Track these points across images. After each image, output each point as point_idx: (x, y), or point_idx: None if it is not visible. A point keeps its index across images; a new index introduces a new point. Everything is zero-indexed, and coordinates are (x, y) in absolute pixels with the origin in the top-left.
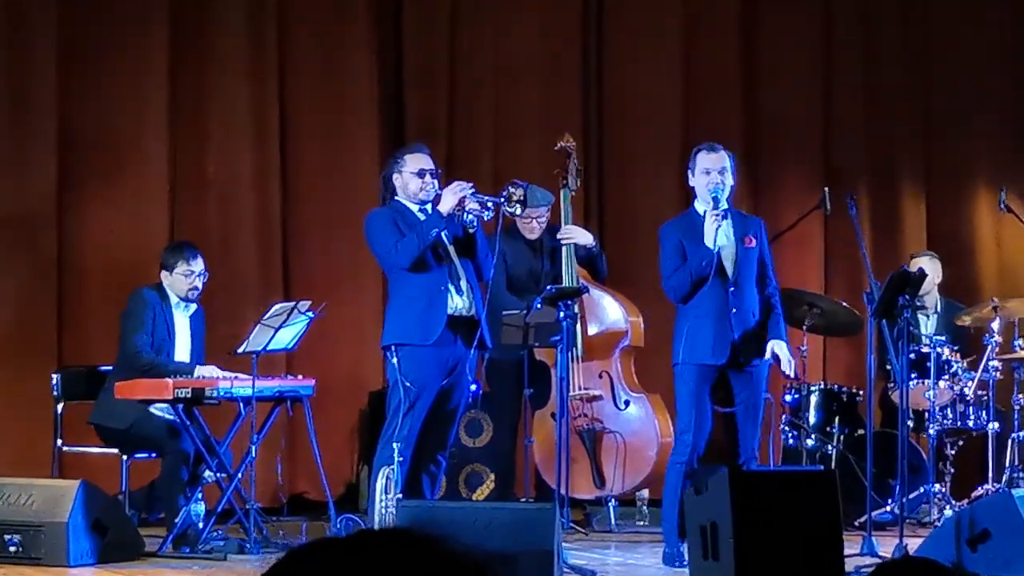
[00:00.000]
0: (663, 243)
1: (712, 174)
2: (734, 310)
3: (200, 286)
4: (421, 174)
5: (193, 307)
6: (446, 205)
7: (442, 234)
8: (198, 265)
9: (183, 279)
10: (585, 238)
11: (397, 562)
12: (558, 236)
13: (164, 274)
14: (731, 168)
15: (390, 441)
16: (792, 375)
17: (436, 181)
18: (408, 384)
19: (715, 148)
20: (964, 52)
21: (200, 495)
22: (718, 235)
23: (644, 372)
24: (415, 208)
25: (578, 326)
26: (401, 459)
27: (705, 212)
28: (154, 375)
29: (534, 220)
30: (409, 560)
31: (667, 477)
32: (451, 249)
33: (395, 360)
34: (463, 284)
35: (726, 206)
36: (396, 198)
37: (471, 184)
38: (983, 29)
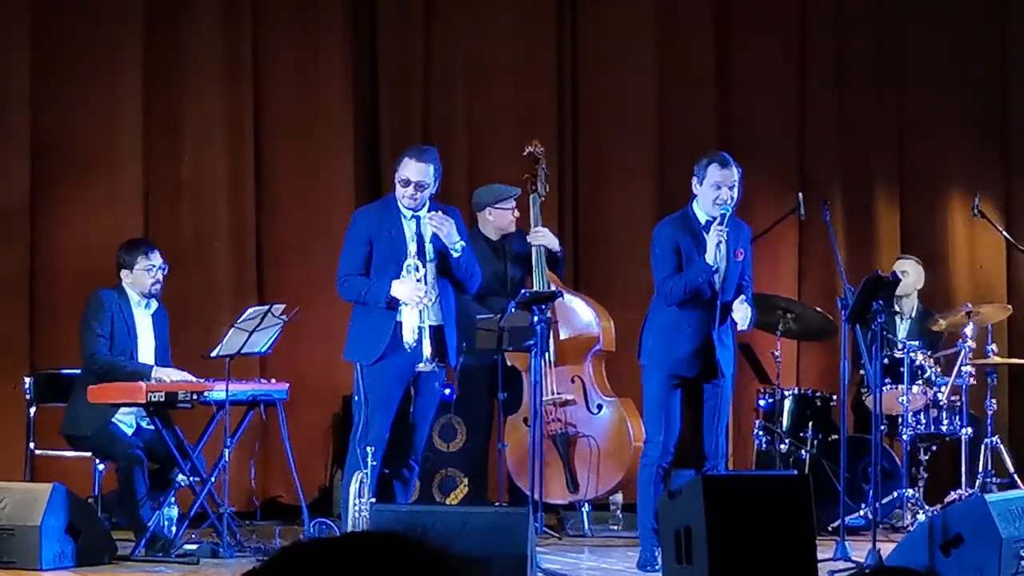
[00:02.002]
0: (658, 243)
1: (723, 189)
2: (716, 323)
3: (161, 279)
4: (404, 184)
5: (155, 305)
6: (398, 293)
7: (426, 260)
8: (157, 259)
9: (145, 275)
10: (553, 242)
11: (392, 563)
12: (529, 237)
13: (124, 273)
14: (739, 182)
15: (356, 448)
16: (745, 328)
17: (420, 193)
18: (367, 395)
19: (728, 163)
20: (936, 59)
21: (173, 499)
22: (721, 253)
23: (615, 376)
24: (408, 214)
25: (550, 331)
26: (375, 463)
27: (706, 222)
28: (112, 378)
29: (510, 212)
30: (404, 562)
31: (639, 481)
32: (429, 269)
33: (359, 367)
34: (432, 309)
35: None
36: (393, 191)
37: (428, 299)
38: (955, 37)
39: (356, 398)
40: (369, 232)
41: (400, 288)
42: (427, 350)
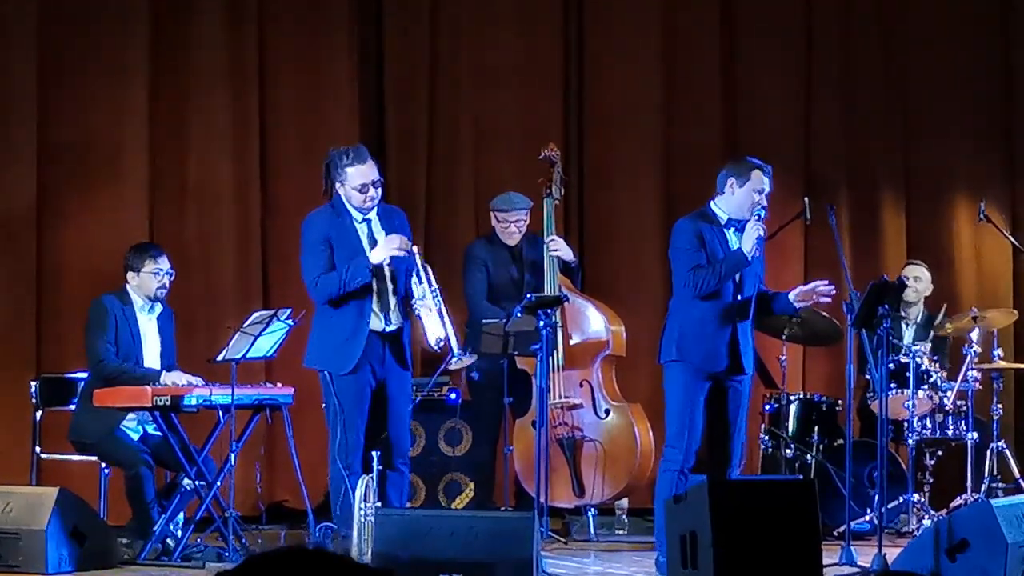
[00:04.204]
0: (680, 237)
1: (762, 196)
2: (738, 319)
3: (168, 284)
4: (363, 189)
5: (159, 308)
6: (377, 257)
7: (384, 266)
8: (165, 263)
9: (152, 278)
10: (568, 254)
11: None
12: (547, 243)
13: (131, 275)
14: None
15: (336, 458)
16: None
17: (379, 190)
18: (341, 404)
19: (769, 171)
20: (942, 64)
21: (177, 504)
22: (757, 246)
23: (624, 382)
24: (359, 217)
25: (560, 335)
26: (379, 468)
27: (727, 221)
28: (120, 383)
29: (512, 224)
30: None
31: (659, 485)
32: (386, 272)
33: (327, 375)
34: (393, 314)
35: None
36: (338, 195)
37: (411, 250)
38: (961, 41)
39: (325, 406)
40: (326, 233)
41: (379, 252)
42: (455, 343)
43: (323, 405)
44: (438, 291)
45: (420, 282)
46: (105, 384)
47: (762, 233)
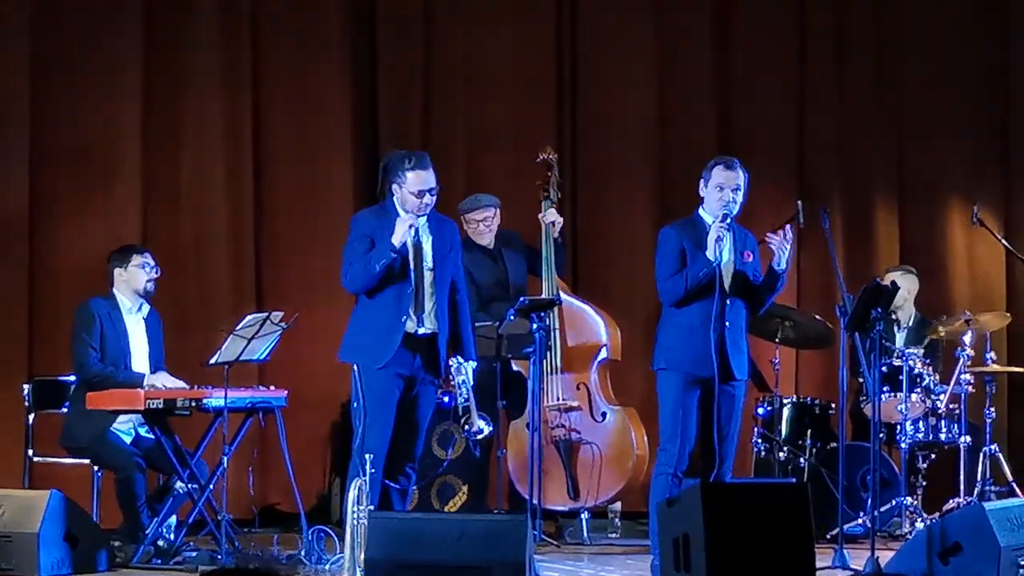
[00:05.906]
0: (663, 244)
1: (725, 191)
2: (727, 324)
3: (155, 278)
4: (420, 195)
5: (146, 309)
6: (398, 237)
7: (424, 267)
8: (150, 259)
9: (141, 271)
10: (558, 223)
11: None
12: (540, 216)
13: (119, 272)
14: (744, 186)
15: (356, 455)
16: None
17: (435, 198)
18: (366, 400)
19: (732, 165)
20: (936, 68)
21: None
22: (721, 249)
23: (619, 385)
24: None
25: (557, 337)
26: (373, 470)
27: (710, 224)
28: (105, 387)
29: (481, 223)
30: None
31: (653, 488)
32: (426, 277)
33: (356, 372)
34: (427, 318)
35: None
36: (393, 197)
37: (416, 223)
38: (955, 46)
39: (355, 404)
40: (370, 230)
41: (396, 233)
42: (477, 420)
43: (352, 404)
44: (471, 392)
45: (468, 359)
46: (90, 389)
47: (722, 234)
